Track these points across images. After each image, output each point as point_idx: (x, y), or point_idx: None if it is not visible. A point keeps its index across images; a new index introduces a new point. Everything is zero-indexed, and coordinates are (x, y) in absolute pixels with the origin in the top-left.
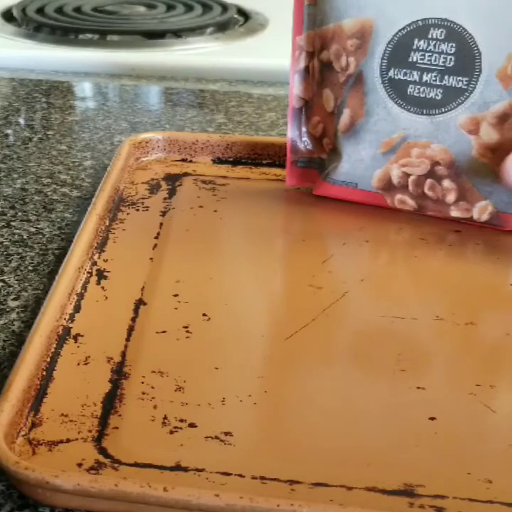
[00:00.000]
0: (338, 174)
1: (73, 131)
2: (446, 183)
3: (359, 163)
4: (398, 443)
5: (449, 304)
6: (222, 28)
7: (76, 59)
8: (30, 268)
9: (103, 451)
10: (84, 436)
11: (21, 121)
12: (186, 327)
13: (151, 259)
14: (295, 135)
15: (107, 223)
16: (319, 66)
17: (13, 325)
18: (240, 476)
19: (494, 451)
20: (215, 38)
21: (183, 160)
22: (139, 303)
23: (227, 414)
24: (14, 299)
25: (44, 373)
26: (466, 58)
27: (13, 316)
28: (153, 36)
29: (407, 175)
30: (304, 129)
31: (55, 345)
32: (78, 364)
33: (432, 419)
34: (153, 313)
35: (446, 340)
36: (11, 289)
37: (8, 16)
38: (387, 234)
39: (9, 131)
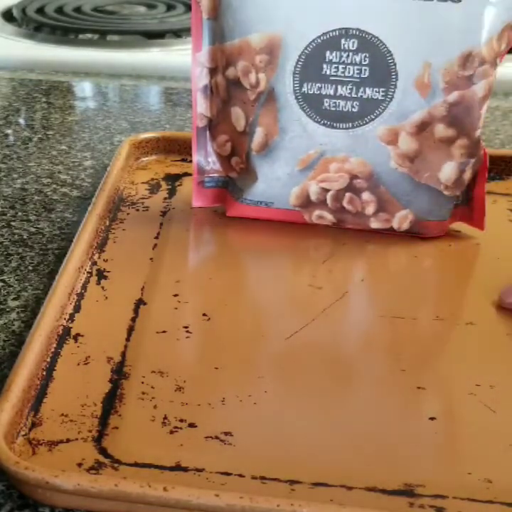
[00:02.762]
0: (253, 194)
1: (73, 131)
2: (365, 195)
3: (275, 182)
4: (398, 443)
5: (449, 304)
6: None
7: (76, 59)
8: (30, 268)
9: (103, 451)
10: (84, 436)
11: (21, 121)
12: (186, 327)
13: (151, 259)
14: (201, 154)
15: (107, 223)
16: (226, 83)
17: (13, 325)
18: (240, 476)
19: (494, 451)
20: None
21: (183, 160)
22: (139, 303)
23: (227, 414)
24: (14, 299)
25: (44, 373)
26: (382, 68)
27: (13, 316)
28: (153, 36)
29: (326, 190)
30: (209, 148)
31: (55, 345)
32: (78, 364)
33: (432, 419)
34: (154, 313)
35: (446, 340)
36: (11, 289)
37: (8, 16)
38: (386, 235)
39: (9, 131)
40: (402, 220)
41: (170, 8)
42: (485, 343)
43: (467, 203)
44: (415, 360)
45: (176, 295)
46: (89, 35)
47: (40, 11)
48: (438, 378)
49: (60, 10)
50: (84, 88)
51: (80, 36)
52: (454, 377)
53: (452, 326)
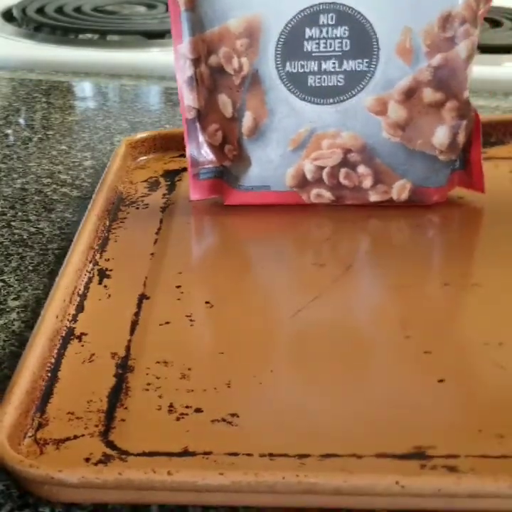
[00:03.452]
0: (248, 180)
1: (73, 131)
2: (361, 169)
3: (269, 165)
4: (407, 407)
5: (454, 269)
6: None
7: (76, 59)
8: (30, 268)
9: (110, 444)
10: (91, 432)
11: (21, 121)
12: (189, 316)
13: (153, 254)
14: (193, 147)
15: (107, 223)
16: (209, 72)
17: (13, 325)
18: (248, 455)
19: (504, 406)
20: None
21: (181, 155)
22: (142, 297)
23: (233, 396)
24: (14, 299)
25: (49, 374)
26: (362, 39)
27: (13, 316)
28: (153, 36)
29: (321, 168)
30: (201, 140)
31: (58, 347)
32: (83, 362)
33: (441, 381)
34: (156, 306)
35: (451, 303)
36: (11, 289)
37: (8, 16)
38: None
39: (9, 131)
40: (400, 190)
41: None
42: (492, 303)
43: (464, 168)
44: (423, 326)
45: (178, 286)
46: (89, 35)
47: (40, 11)
48: (444, 341)
49: (60, 10)
50: (84, 88)
51: (80, 36)
52: (460, 337)
53: (458, 289)
